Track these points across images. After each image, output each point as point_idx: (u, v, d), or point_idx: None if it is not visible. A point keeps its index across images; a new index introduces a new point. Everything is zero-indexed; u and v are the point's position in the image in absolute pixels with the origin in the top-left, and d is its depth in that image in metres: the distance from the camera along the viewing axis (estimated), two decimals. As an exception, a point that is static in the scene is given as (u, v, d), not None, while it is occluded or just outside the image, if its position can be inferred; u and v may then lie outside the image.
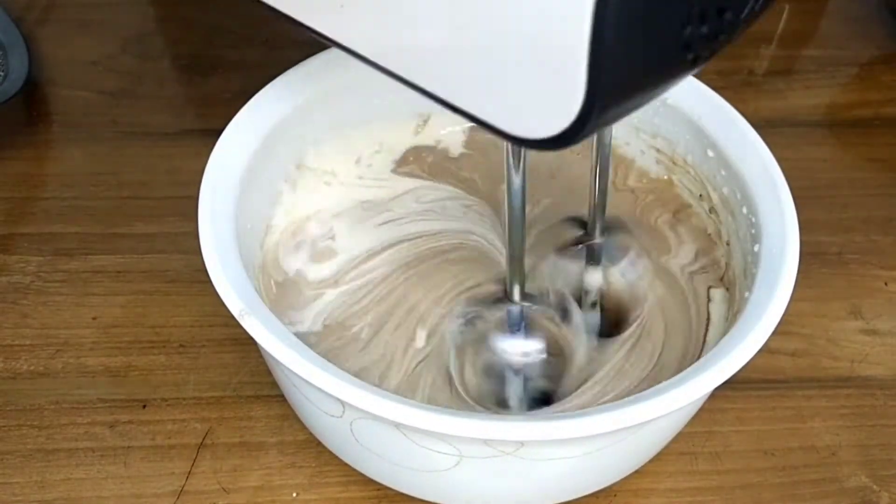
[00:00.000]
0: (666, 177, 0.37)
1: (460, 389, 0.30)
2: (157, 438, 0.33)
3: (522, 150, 0.24)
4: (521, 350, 0.29)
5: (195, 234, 0.28)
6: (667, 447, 0.31)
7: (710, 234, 0.35)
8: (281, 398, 0.33)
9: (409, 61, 0.20)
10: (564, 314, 0.30)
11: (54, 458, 0.32)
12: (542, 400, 0.30)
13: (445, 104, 0.20)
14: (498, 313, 0.29)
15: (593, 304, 0.32)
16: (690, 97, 0.34)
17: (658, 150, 0.36)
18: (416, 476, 0.28)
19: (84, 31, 0.51)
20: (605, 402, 0.30)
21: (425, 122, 0.38)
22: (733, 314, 0.30)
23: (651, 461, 0.31)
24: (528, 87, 0.18)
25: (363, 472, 0.30)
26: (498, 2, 0.17)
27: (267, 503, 0.31)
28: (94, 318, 0.37)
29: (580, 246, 0.32)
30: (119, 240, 0.40)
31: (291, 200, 0.35)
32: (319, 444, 0.32)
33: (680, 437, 0.32)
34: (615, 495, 0.32)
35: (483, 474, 0.27)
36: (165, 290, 0.38)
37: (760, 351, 0.26)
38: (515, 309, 0.29)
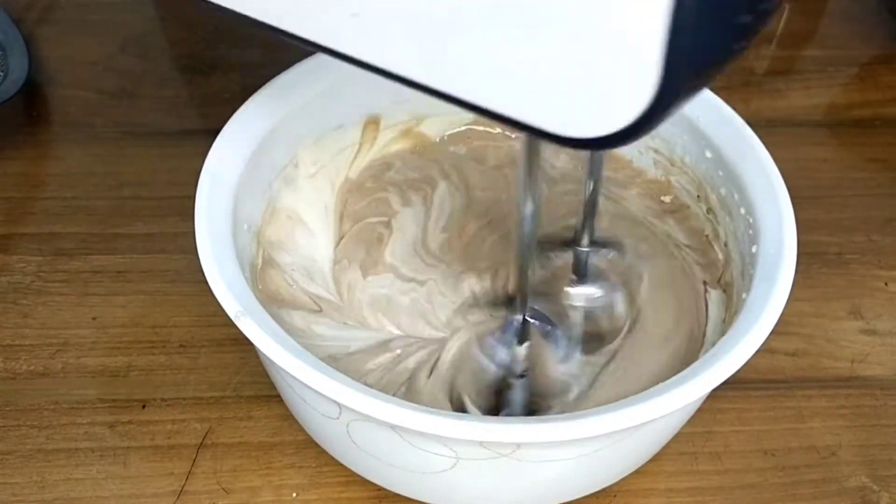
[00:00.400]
0: (664, 178, 0.37)
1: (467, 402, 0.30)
2: (156, 438, 0.33)
3: (537, 161, 0.23)
4: (521, 360, 0.29)
5: (195, 234, 0.28)
6: (667, 447, 0.31)
7: (707, 236, 0.35)
8: (281, 398, 0.33)
9: (444, 72, 0.19)
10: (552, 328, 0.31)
11: (54, 459, 0.32)
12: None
13: (487, 113, 0.19)
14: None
15: (577, 317, 0.33)
16: (689, 97, 0.34)
17: (656, 151, 0.36)
18: (413, 478, 0.28)
19: (84, 31, 0.51)
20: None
21: (419, 122, 0.38)
22: (731, 315, 0.30)
23: (651, 461, 0.31)
24: (591, 83, 0.17)
25: (361, 473, 0.30)
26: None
27: (267, 503, 0.31)
28: (94, 319, 0.37)
29: (567, 252, 0.32)
30: (119, 240, 0.40)
31: (288, 201, 0.35)
32: (319, 444, 0.32)
33: (680, 437, 0.32)
34: (615, 495, 0.32)
35: (480, 476, 0.27)
36: (165, 291, 0.38)
37: (760, 351, 0.26)
38: (516, 321, 0.29)
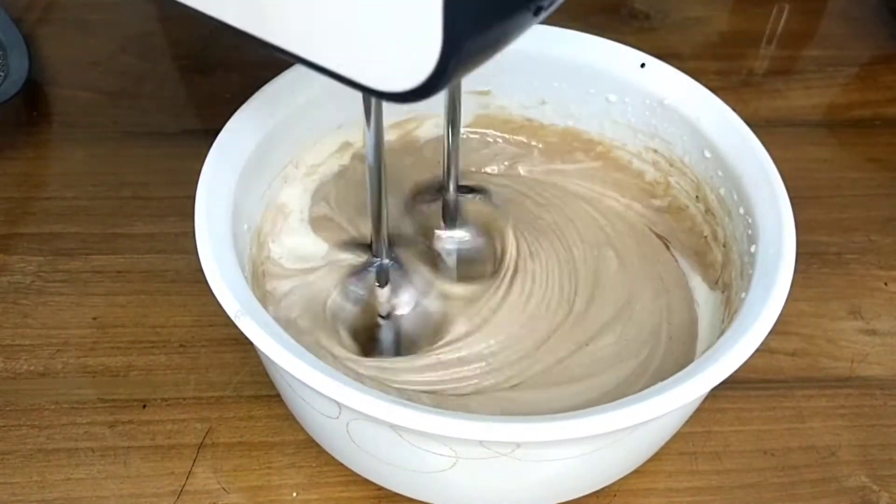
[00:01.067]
0: (663, 178, 0.37)
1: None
2: (157, 438, 0.33)
3: (374, 106, 0.25)
4: (390, 303, 0.31)
5: (195, 234, 0.28)
6: (666, 447, 0.31)
7: (706, 237, 0.35)
8: (281, 398, 0.33)
9: (262, 20, 0.21)
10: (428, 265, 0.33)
11: (54, 458, 0.32)
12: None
13: (304, 61, 0.21)
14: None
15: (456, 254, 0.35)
16: (688, 98, 0.34)
17: (655, 152, 0.36)
18: (413, 477, 0.28)
19: (84, 31, 0.51)
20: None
21: (418, 126, 0.38)
22: (730, 315, 0.30)
23: (651, 461, 0.31)
24: (387, 40, 0.19)
25: (360, 473, 0.31)
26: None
27: (267, 503, 0.31)
28: (94, 318, 0.37)
29: (435, 200, 0.34)
30: (119, 240, 0.40)
31: (288, 201, 0.35)
32: (319, 444, 0.32)
33: (679, 437, 0.32)
34: (615, 495, 0.32)
35: (480, 475, 0.27)
36: (166, 290, 0.38)
37: (760, 351, 0.26)
38: (382, 265, 0.31)
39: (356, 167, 0.37)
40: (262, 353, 0.26)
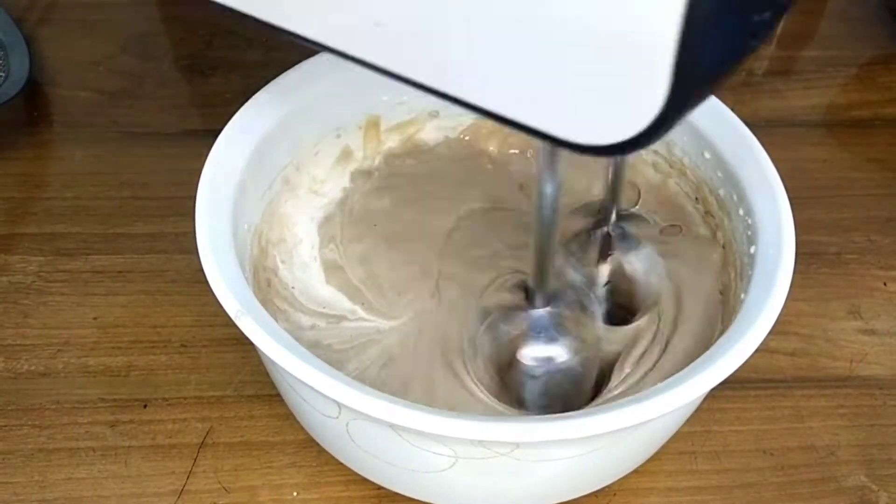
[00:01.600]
0: (662, 180, 0.37)
1: (483, 396, 0.30)
2: (157, 438, 0.33)
3: (558, 158, 0.23)
4: (547, 356, 0.29)
5: (195, 234, 0.28)
6: (666, 447, 0.31)
7: (706, 237, 0.35)
8: (281, 398, 0.34)
9: (460, 79, 0.19)
10: (584, 311, 0.30)
11: (55, 458, 0.32)
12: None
13: (497, 118, 0.19)
14: (520, 320, 0.29)
15: (606, 294, 0.32)
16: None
17: (655, 152, 0.36)
18: (412, 477, 0.28)
19: (85, 31, 0.51)
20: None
21: (419, 130, 0.38)
22: (729, 316, 0.30)
23: (650, 460, 0.31)
24: (600, 91, 0.17)
25: (361, 472, 0.31)
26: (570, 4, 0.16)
27: (267, 503, 0.31)
28: (94, 318, 0.37)
29: (594, 234, 0.32)
30: (120, 240, 0.40)
31: (288, 202, 0.35)
32: (319, 443, 0.32)
33: (679, 437, 0.32)
34: (614, 495, 0.32)
35: (480, 475, 0.27)
36: (166, 290, 0.38)
37: (759, 351, 0.26)
38: (540, 315, 0.28)
39: (356, 199, 0.36)
40: (262, 352, 0.26)
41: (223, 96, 0.47)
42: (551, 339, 0.28)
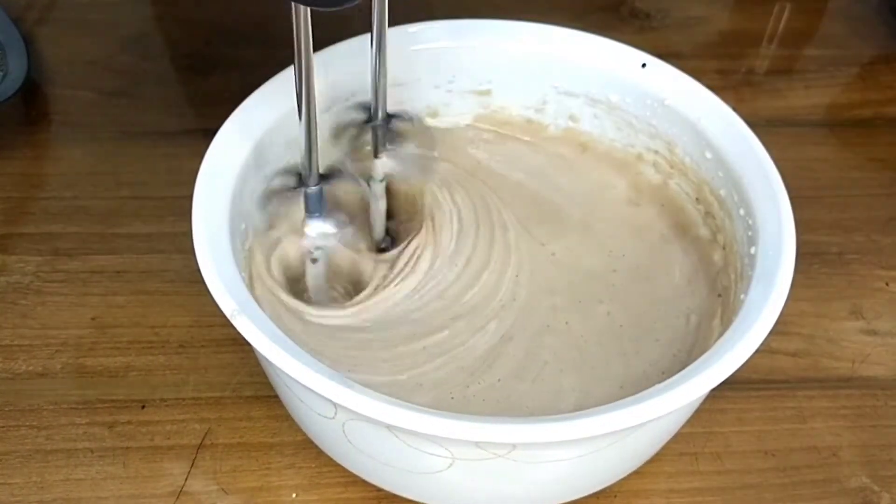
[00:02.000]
0: (663, 180, 0.37)
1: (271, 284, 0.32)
2: (156, 439, 0.33)
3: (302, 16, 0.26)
4: (324, 231, 0.31)
5: (192, 233, 0.28)
6: (667, 448, 0.31)
7: (706, 238, 0.34)
8: (280, 399, 0.33)
9: None
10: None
11: (53, 459, 0.32)
12: None
13: None
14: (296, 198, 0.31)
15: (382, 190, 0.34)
16: (689, 99, 0.34)
17: (656, 153, 0.36)
18: (410, 478, 0.28)
19: (84, 30, 0.51)
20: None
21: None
22: (729, 316, 0.30)
23: (651, 462, 0.31)
24: None
25: (358, 474, 0.30)
26: None
27: (266, 504, 0.31)
28: (93, 319, 0.37)
29: (364, 128, 0.34)
30: (118, 240, 0.40)
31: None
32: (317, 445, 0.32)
33: (680, 438, 0.32)
34: (615, 496, 0.32)
35: (478, 477, 0.27)
36: (165, 291, 0.38)
37: (761, 351, 0.26)
38: (313, 191, 0.30)
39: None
40: (258, 352, 0.26)
41: (222, 95, 0.47)
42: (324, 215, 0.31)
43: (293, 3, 0.25)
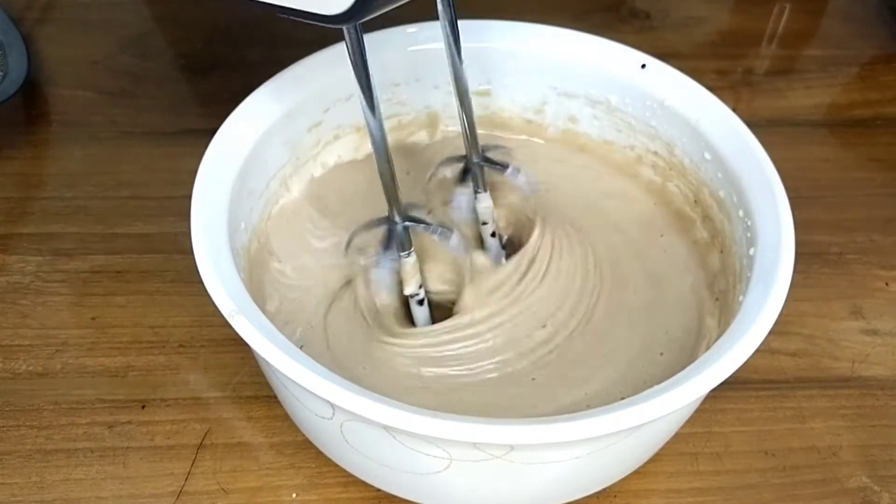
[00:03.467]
0: (662, 181, 0.37)
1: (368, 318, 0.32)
2: (156, 439, 0.33)
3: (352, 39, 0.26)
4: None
5: (191, 233, 0.28)
6: (667, 448, 0.31)
7: (704, 241, 0.34)
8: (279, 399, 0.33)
9: None
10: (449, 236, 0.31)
11: (53, 459, 0.32)
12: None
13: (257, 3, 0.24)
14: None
15: (491, 232, 0.34)
16: (688, 99, 0.34)
17: (656, 154, 0.36)
18: (408, 479, 0.28)
19: (83, 30, 0.51)
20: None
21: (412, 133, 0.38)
22: (728, 317, 0.30)
23: (651, 462, 0.31)
24: None
25: (357, 474, 0.30)
26: None
27: (266, 504, 0.31)
28: (93, 319, 0.37)
29: (466, 175, 0.33)
30: (118, 240, 0.40)
31: (286, 200, 0.35)
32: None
33: (680, 438, 0.32)
34: (615, 496, 0.32)
35: (476, 478, 0.27)
36: (165, 290, 0.38)
37: (761, 351, 0.26)
38: (398, 229, 0.30)
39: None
40: (256, 352, 0.26)
41: (221, 96, 0.47)
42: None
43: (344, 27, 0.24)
